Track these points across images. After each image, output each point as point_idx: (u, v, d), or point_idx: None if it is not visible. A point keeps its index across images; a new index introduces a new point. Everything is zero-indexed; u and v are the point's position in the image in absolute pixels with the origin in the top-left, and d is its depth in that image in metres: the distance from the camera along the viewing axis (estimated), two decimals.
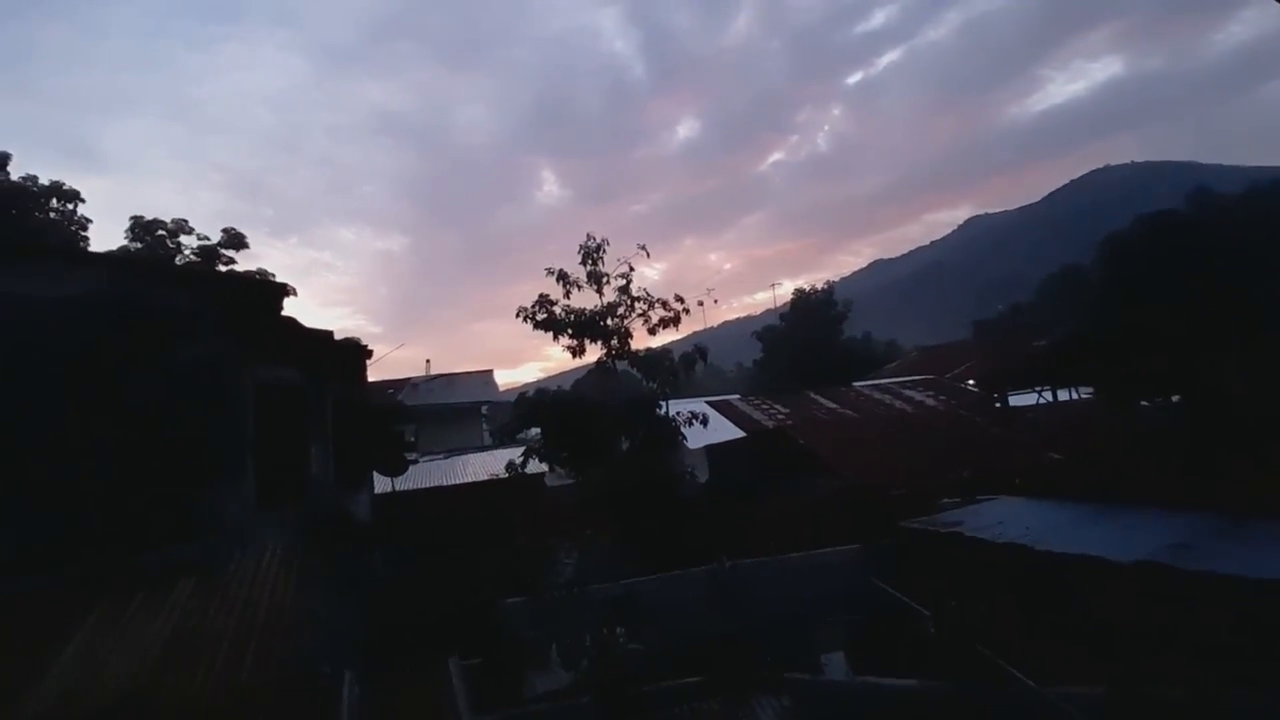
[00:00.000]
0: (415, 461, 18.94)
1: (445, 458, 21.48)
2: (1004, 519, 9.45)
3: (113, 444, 7.48)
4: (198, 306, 8.19)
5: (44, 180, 23.30)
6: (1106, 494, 9.12)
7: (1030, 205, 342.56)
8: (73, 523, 7.22)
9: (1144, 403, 18.32)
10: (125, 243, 23.29)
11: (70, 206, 23.80)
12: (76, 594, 6.51)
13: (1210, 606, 6.08)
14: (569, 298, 15.48)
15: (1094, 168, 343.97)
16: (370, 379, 15.33)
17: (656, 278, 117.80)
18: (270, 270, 24.48)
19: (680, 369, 15.40)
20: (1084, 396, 23.58)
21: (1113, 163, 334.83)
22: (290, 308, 9.47)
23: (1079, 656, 7.18)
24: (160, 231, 23.65)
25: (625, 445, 14.75)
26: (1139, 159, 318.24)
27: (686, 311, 15.60)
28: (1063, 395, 24.23)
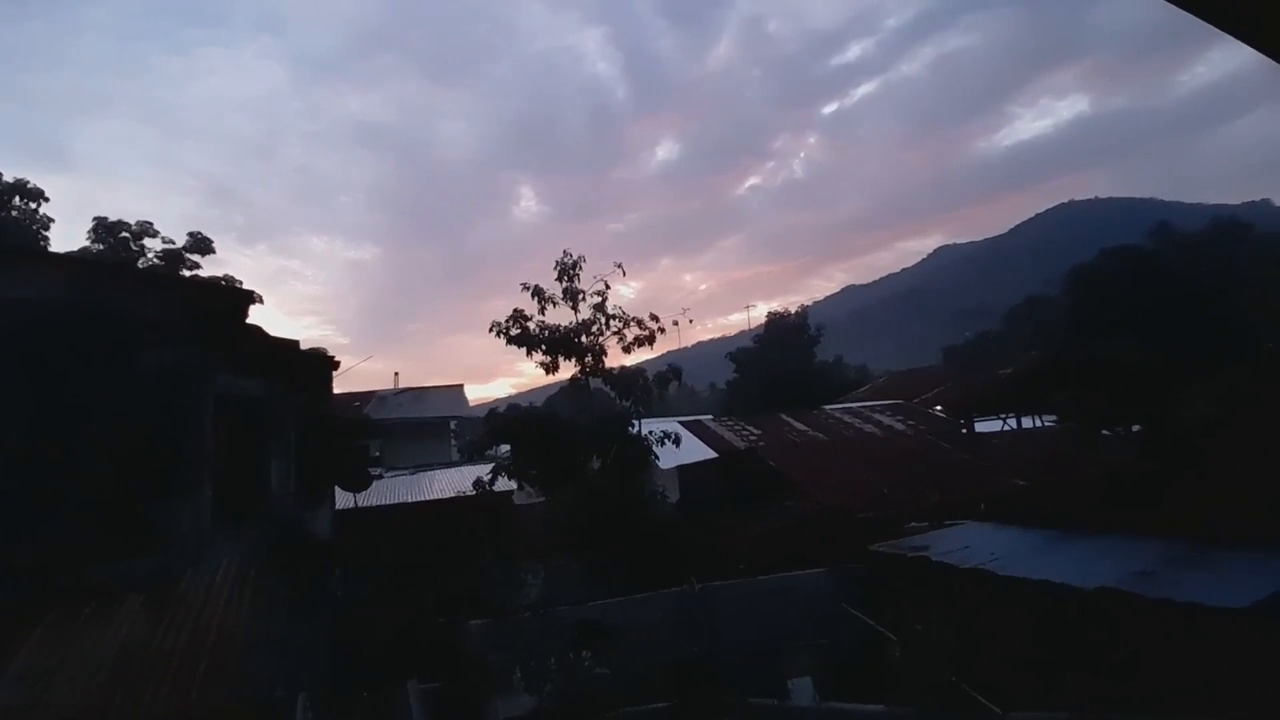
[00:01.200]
0: (380, 477, 18.60)
1: (411, 473, 21.13)
2: (970, 544, 9.51)
3: (63, 453, 7.21)
4: (159, 312, 7.97)
5: (8, 178, 22.74)
6: (1070, 520, 9.24)
7: (998, 237, 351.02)
8: (18, 534, 6.92)
9: (1105, 431, 18.72)
10: (87, 244, 22.74)
11: (33, 205, 23.28)
12: (21, 609, 6.23)
13: (1171, 633, 6.16)
14: (544, 314, 15.43)
15: (1060, 202, 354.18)
16: (336, 391, 15.05)
17: (632, 296, 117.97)
18: (237, 277, 24.03)
19: (654, 388, 15.38)
20: (1048, 424, 24.07)
21: (1078, 198, 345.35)
22: (256, 316, 9.29)
23: (1043, 682, 7.21)
24: (124, 234, 23.15)
25: (597, 464, 14.63)
26: (1103, 195, 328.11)
27: (661, 331, 15.62)
28: (1027, 423, 24.72)
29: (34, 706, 5.16)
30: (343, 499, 15.07)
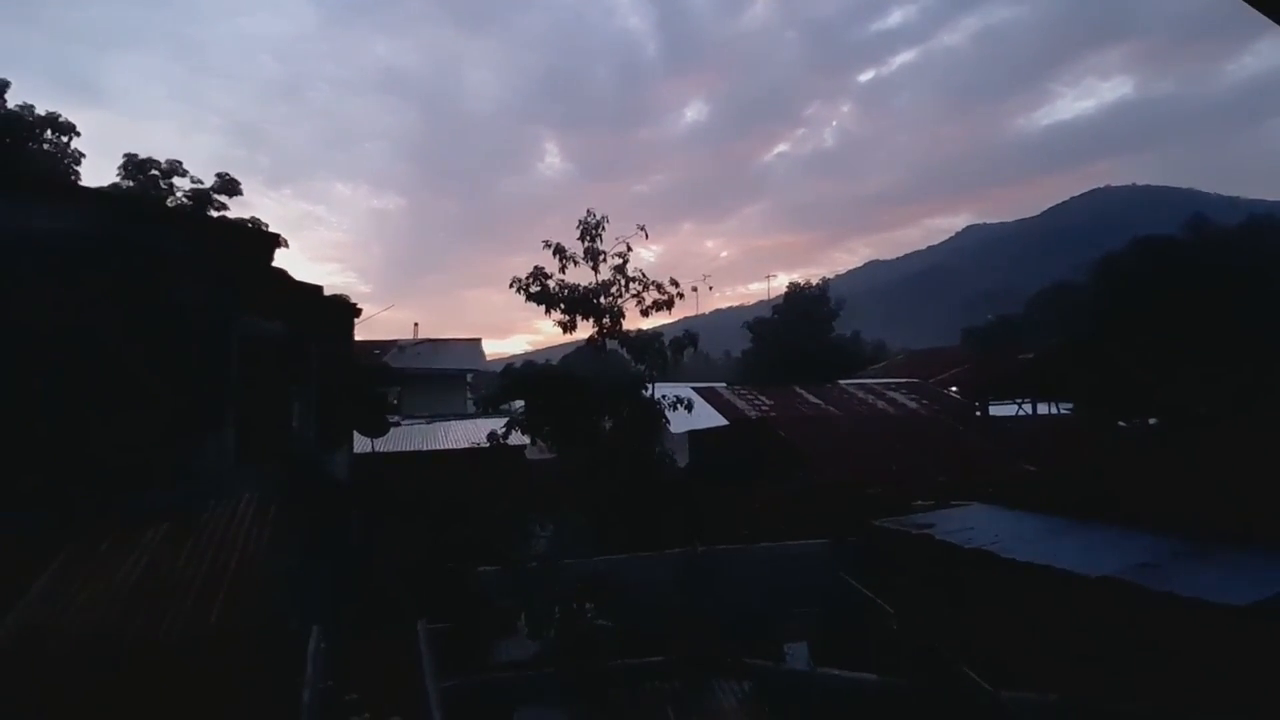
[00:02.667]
0: (397, 424, 18.93)
1: (427, 423, 21.46)
2: (975, 525, 9.57)
3: (92, 383, 7.41)
4: (189, 251, 8.09)
5: (40, 110, 22.80)
6: (1078, 509, 9.26)
7: (1028, 219, 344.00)
8: (47, 461, 7.17)
9: (1122, 423, 18.58)
10: (117, 180, 22.87)
11: (65, 139, 23.32)
12: (47, 533, 6.47)
13: (1171, 627, 6.21)
14: (564, 272, 15.40)
15: (1095, 187, 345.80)
16: (357, 338, 15.26)
17: (653, 260, 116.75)
18: (263, 219, 24.11)
19: (670, 353, 15.39)
20: (1063, 412, 23.90)
21: (1114, 183, 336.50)
22: (280, 260, 9.39)
23: (1038, 664, 7.33)
24: (153, 171, 23.23)
25: (609, 424, 14.77)
26: (1140, 182, 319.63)
27: (680, 296, 15.57)
28: (1043, 409, 24.55)
29: (55, 626, 5.39)
30: (360, 444, 15.39)
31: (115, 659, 5.07)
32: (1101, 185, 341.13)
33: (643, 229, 15.58)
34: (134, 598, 5.73)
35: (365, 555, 10.60)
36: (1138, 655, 6.53)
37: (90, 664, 4.99)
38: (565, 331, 15.54)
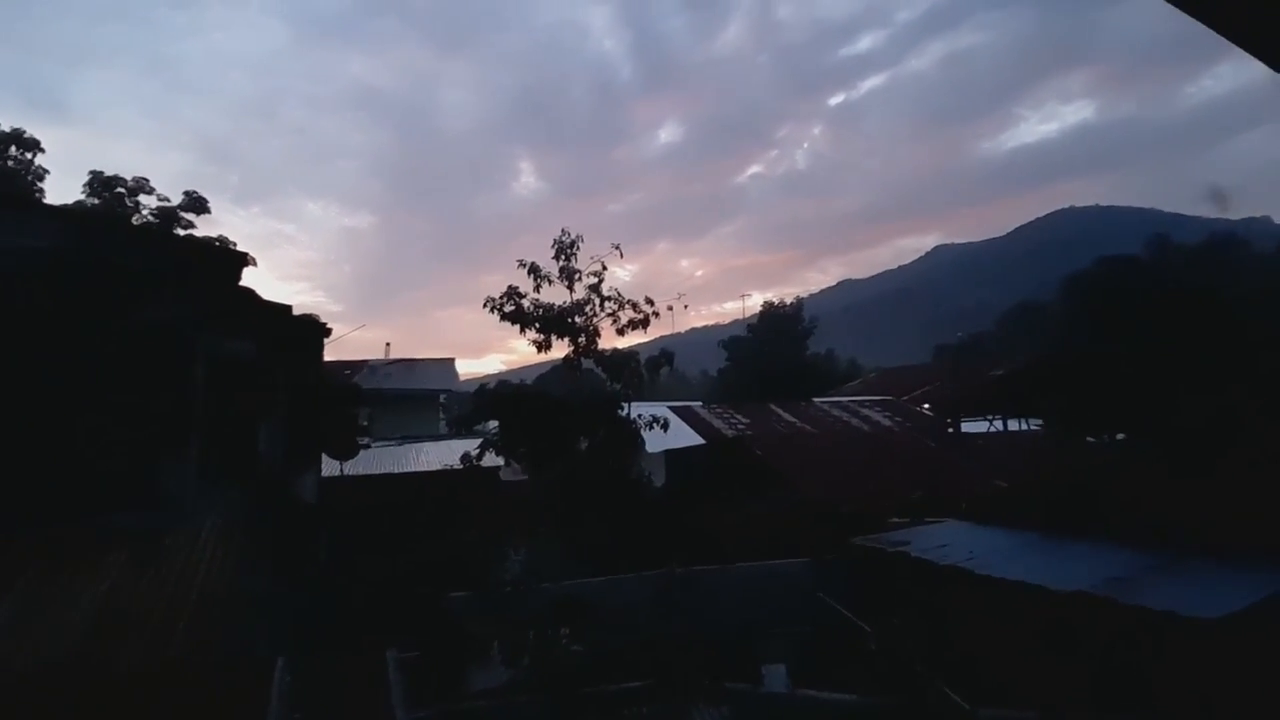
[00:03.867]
0: (367, 446, 18.61)
1: (399, 444, 21.14)
2: (949, 542, 9.61)
3: (52, 404, 7.19)
4: (153, 270, 7.93)
5: (4, 127, 22.38)
6: (1049, 524, 9.34)
7: (996, 239, 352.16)
8: (7, 482, 6.92)
9: (1090, 438, 18.90)
10: (82, 198, 22.46)
11: (29, 156, 22.90)
12: (5, 557, 6.24)
13: (1145, 640, 6.26)
14: (539, 291, 15.32)
15: (1059, 207, 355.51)
16: (327, 358, 15.04)
17: (628, 279, 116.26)
18: (231, 238, 23.77)
19: (645, 372, 15.36)
20: (1033, 428, 24.28)
21: (1078, 204, 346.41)
22: (249, 278, 9.24)
23: (1015, 680, 7.34)
24: (119, 189, 22.87)
25: (585, 444, 14.65)
26: (1104, 202, 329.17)
27: (656, 315, 15.56)
28: (1013, 425, 24.93)
29: (16, 657, 5.18)
30: (329, 466, 15.09)
31: (76, 691, 4.89)
32: (1066, 205, 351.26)
33: (618, 248, 15.62)
34: (94, 628, 5.55)
35: (333, 581, 10.33)
36: (1113, 669, 6.57)
37: (51, 696, 4.80)
38: (540, 351, 15.44)
